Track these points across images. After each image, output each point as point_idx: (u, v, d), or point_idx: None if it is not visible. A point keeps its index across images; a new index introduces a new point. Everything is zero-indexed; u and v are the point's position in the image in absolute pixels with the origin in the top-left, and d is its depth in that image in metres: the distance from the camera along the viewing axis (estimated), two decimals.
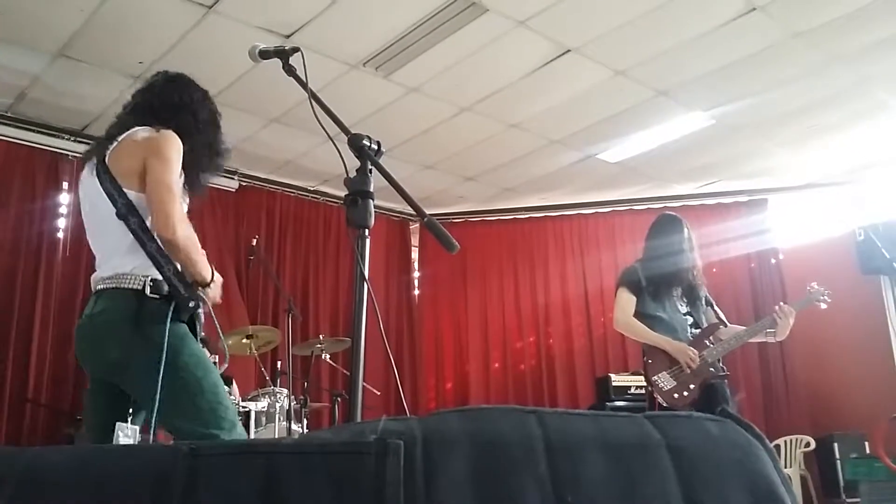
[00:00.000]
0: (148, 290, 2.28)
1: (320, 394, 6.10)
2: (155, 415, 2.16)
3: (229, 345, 5.10)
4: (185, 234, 2.30)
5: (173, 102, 2.51)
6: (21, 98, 5.33)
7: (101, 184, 2.36)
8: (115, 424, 2.38)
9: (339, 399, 5.38)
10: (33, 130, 5.65)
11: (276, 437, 4.69)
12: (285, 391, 4.95)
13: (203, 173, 2.54)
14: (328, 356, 5.49)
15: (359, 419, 1.76)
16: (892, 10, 4.46)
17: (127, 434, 3.11)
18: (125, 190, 2.33)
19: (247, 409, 4.79)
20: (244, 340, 5.10)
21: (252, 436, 4.75)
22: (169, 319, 2.25)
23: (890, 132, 6.21)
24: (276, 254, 6.82)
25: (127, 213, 2.31)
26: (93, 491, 0.76)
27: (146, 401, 2.28)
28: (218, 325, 2.52)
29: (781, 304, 4.05)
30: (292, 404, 4.88)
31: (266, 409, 4.90)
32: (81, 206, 2.52)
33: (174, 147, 2.36)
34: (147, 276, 2.30)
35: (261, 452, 0.77)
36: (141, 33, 4.55)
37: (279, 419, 4.86)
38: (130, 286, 2.30)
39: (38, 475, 0.78)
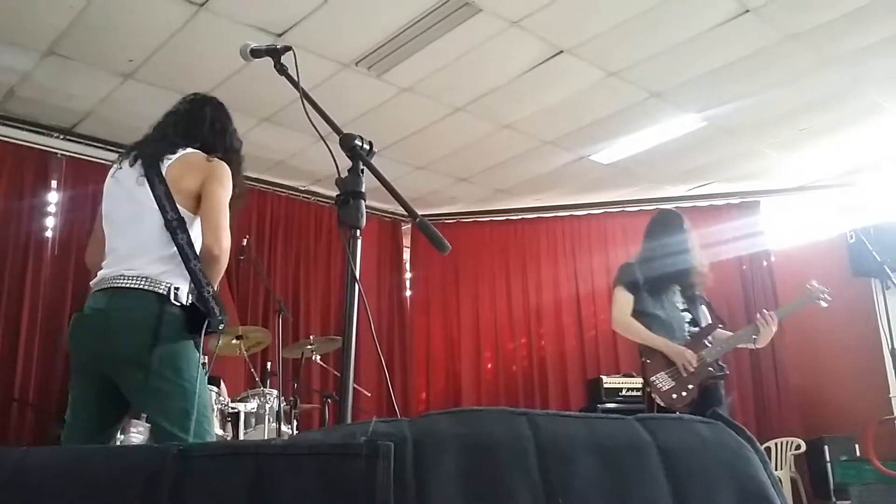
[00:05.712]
0: (172, 297, 2.42)
1: (310, 395, 6.08)
2: (192, 424, 2.32)
3: (219, 345, 5.10)
4: (228, 252, 2.52)
5: (225, 141, 2.78)
6: (10, 96, 5.30)
7: (152, 191, 2.50)
8: (105, 423, 2.50)
9: (329, 400, 5.36)
10: (22, 128, 5.61)
11: (266, 438, 4.67)
12: (275, 392, 4.93)
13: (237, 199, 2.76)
14: (318, 357, 5.47)
15: (349, 421, 1.76)
16: (885, 11, 4.48)
17: (140, 431, 3.18)
18: (178, 206, 2.50)
19: (236, 410, 4.76)
20: (234, 341, 5.07)
21: (241, 437, 4.73)
22: (188, 332, 2.41)
23: (882, 135, 6.24)
24: (266, 254, 6.79)
25: (177, 227, 2.47)
26: (81, 491, 0.76)
27: (145, 401, 2.44)
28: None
29: (764, 311, 3.96)
30: (282, 405, 4.86)
31: (256, 410, 4.87)
32: (109, 198, 2.65)
33: (229, 176, 2.61)
34: (171, 284, 2.44)
35: (250, 453, 0.76)
36: (131, 31, 4.52)
37: (269, 420, 4.84)
38: (155, 290, 2.42)
39: (26, 476, 0.77)
